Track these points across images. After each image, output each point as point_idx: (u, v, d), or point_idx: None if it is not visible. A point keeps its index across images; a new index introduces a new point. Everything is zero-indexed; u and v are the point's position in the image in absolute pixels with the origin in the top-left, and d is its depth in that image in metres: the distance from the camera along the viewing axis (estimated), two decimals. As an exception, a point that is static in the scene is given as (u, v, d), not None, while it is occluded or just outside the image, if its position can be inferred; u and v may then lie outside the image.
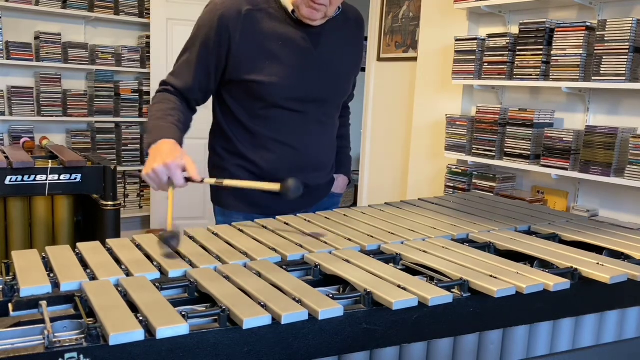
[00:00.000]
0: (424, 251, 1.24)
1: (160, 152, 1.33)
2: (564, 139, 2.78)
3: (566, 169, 2.77)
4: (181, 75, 1.58)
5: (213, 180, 1.37)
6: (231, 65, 1.55)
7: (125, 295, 0.95)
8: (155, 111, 1.51)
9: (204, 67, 1.56)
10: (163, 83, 1.61)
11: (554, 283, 1.08)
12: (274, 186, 1.32)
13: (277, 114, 1.58)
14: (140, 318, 0.85)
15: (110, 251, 1.19)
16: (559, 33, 2.78)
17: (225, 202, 1.66)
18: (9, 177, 2.42)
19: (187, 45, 1.59)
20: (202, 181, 1.32)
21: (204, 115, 1.75)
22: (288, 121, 1.59)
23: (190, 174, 1.31)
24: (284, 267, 1.12)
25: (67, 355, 0.78)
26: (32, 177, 2.46)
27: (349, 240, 1.31)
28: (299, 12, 1.53)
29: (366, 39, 3.79)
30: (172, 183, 1.30)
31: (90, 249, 1.19)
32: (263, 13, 1.54)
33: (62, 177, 2.52)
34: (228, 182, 1.38)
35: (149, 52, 4.54)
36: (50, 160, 2.60)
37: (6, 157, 2.55)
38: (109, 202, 2.62)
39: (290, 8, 1.55)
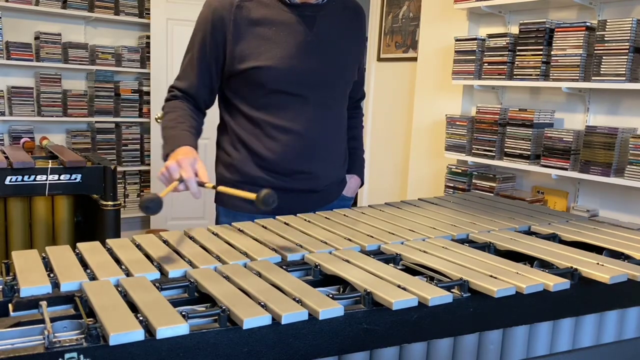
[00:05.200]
0: (424, 251, 1.24)
1: (175, 155, 1.42)
2: (564, 139, 2.78)
3: (566, 169, 2.77)
4: (185, 76, 1.64)
5: (211, 185, 1.41)
6: (229, 58, 1.58)
7: (125, 295, 0.95)
8: (167, 121, 1.59)
9: (206, 64, 1.60)
10: (170, 89, 1.66)
11: (554, 283, 1.08)
12: (251, 195, 1.29)
13: (279, 99, 1.59)
14: (140, 318, 0.85)
15: (110, 251, 1.19)
16: (559, 33, 2.78)
17: (230, 202, 1.66)
18: (9, 177, 2.42)
19: (189, 46, 1.64)
20: (203, 185, 1.36)
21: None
22: (290, 106, 1.60)
23: (199, 175, 1.36)
24: (284, 267, 1.12)
25: (67, 355, 0.78)
26: (32, 177, 2.46)
27: (349, 240, 1.32)
28: None
29: (366, 38, 3.79)
30: (182, 180, 1.34)
31: (90, 249, 1.19)
32: (255, 2, 1.57)
33: (62, 177, 2.52)
34: (221, 189, 1.42)
35: (149, 52, 4.54)
36: (50, 161, 2.60)
37: (6, 157, 2.55)
38: (109, 202, 2.62)
39: None
